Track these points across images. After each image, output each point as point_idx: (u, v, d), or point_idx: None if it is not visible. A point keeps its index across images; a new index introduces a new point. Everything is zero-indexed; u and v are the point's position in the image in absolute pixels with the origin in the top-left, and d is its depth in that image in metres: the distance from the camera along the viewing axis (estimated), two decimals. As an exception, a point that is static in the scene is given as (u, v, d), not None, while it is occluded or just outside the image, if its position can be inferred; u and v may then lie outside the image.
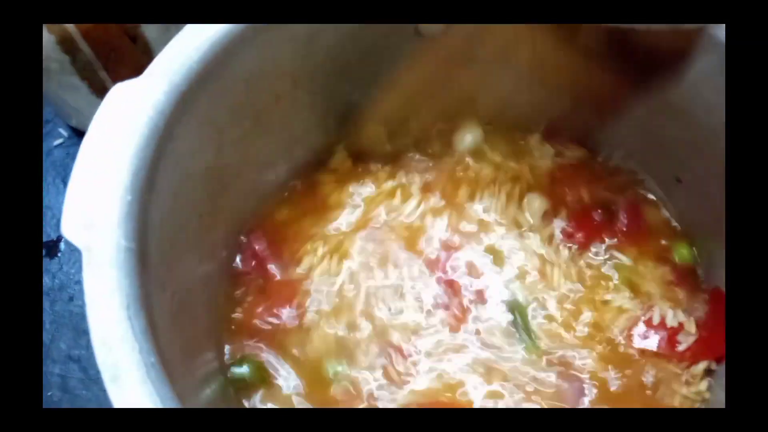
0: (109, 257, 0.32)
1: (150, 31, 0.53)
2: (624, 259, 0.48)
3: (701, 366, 0.44)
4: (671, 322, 0.45)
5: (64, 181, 0.31)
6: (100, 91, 0.55)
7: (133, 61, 0.53)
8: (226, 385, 0.43)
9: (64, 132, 0.63)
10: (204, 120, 0.39)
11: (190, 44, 0.37)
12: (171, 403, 0.29)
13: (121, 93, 0.35)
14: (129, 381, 0.29)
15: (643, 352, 0.45)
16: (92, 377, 0.51)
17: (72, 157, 0.35)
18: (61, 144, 0.62)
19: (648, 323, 0.45)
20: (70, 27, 0.50)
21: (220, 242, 0.46)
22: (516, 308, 0.46)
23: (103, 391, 0.29)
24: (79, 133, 0.62)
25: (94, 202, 0.33)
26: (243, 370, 0.44)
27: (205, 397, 0.39)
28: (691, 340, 0.45)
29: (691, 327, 0.45)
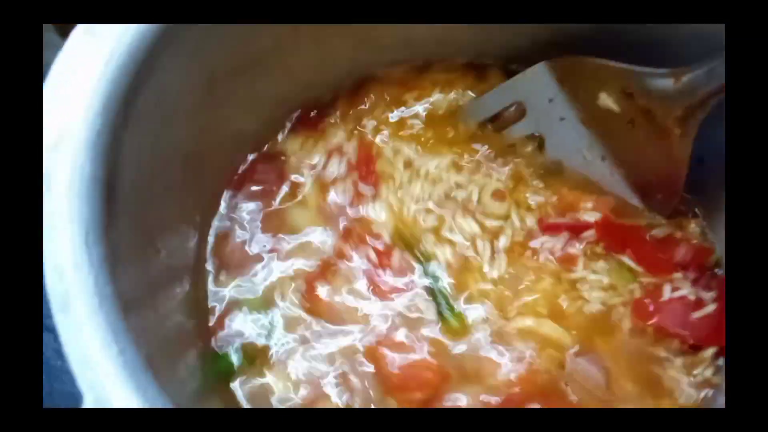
0: (72, 183, 0.30)
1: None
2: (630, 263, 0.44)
3: (709, 351, 0.42)
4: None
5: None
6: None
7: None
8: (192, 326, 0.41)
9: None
10: (192, 55, 0.36)
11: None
12: (123, 337, 0.27)
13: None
14: (80, 310, 0.27)
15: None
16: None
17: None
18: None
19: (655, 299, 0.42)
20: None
21: (206, 188, 0.44)
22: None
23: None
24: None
25: (62, 123, 0.30)
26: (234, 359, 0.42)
27: (168, 333, 0.37)
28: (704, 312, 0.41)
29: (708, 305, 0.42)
